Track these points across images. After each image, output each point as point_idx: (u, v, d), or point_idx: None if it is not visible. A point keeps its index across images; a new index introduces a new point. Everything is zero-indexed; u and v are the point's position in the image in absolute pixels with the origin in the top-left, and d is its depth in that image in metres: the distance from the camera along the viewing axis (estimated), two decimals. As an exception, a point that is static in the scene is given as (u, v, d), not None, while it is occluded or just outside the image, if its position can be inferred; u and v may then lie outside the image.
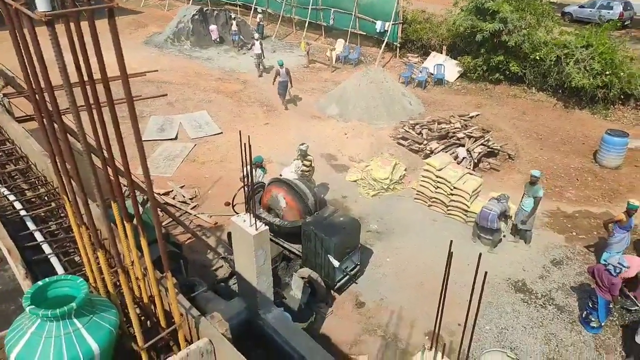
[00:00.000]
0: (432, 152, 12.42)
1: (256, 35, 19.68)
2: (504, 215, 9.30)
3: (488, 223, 9.07)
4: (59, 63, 2.41)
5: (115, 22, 2.32)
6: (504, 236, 9.55)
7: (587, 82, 14.49)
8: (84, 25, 2.50)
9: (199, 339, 2.94)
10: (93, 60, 2.59)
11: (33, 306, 2.39)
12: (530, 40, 15.98)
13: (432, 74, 18.19)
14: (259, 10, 24.85)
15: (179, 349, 2.91)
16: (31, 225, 4.12)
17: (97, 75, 2.59)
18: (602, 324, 7.38)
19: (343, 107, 15.43)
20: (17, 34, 2.66)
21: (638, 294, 7.50)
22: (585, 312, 7.52)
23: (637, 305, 7.21)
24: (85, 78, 2.59)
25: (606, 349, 7.21)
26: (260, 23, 22.95)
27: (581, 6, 23.70)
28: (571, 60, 14.95)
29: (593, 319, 7.35)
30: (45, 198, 4.76)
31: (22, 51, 2.67)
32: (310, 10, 22.55)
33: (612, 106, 15.22)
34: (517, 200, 9.57)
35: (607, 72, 14.36)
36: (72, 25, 2.44)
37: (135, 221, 2.84)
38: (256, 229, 5.50)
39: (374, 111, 15.03)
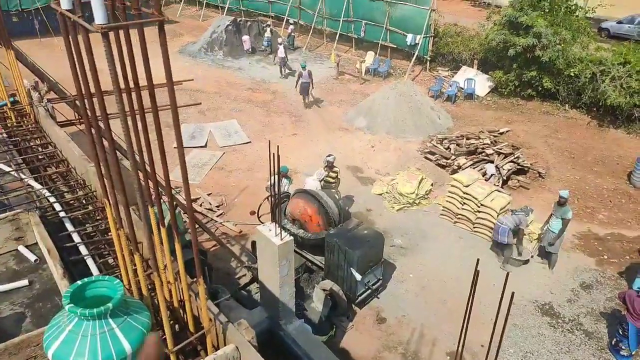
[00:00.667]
0: (459, 167, 12.30)
1: (280, 40, 20.63)
2: (518, 229, 9.01)
3: (499, 237, 8.92)
4: (111, 71, 2.54)
5: (165, 35, 2.44)
6: (532, 257, 9.36)
7: (623, 101, 14.13)
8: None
9: (225, 345, 3.01)
10: (139, 70, 2.73)
11: (72, 305, 2.51)
12: (565, 56, 15.70)
13: (462, 88, 18.07)
14: (291, 21, 25.26)
15: (206, 354, 2.98)
16: (69, 227, 4.29)
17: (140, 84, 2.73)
18: (633, 352, 7.14)
19: (371, 119, 15.47)
20: (72, 44, 2.82)
21: None
22: (615, 340, 7.29)
23: None
24: (132, 85, 2.72)
25: (637, 378, 6.97)
26: (292, 34, 23.32)
27: (619, 22, 23.15)
28: (607, 77, 14.62)
29: (623, 347, 7.12)
30: (83, 201, 4.96)
31: (75, 59, 2.83)
32: (342, 22, 22.78)
33: (649, 126, 14.78)
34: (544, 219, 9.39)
35: (645, 91, 13.98)
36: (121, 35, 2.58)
37: (169, 228, 2.95)
38: (281, 239, 5.57)
39: (402, 124, 15.01)
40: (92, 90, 2.85)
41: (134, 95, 2.72)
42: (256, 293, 8.09)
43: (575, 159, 13.56)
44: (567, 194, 8.81)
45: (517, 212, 9.06)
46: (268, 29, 22.82)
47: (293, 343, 6.06)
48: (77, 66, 2.88)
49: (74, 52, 2.88)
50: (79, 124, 7.25)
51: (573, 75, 15.53)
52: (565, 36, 15.72)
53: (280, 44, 20.25)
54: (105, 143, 2.87)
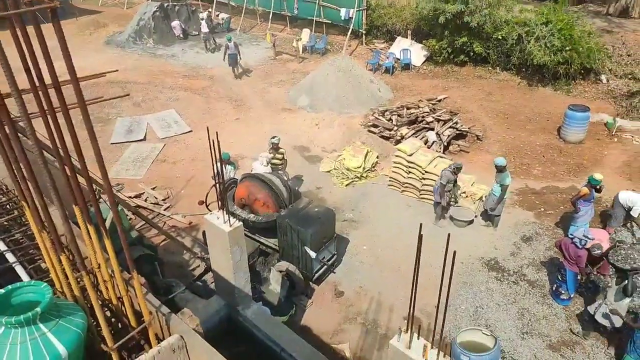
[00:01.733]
0: (402, 137, 12.55)
1: (201, 15, 21.36)
2: (451, 184, 9.29)
3: (435, 196, 9.40)
4: (4, 68, 2.35)
5: (59, 23, 2.27)
6: (476, 217, 9.76)
7: (548, 59, 14.84)
8: (32, 30, 2.44)
9: (170, 335, 2.94)
10: (46, 66, 2.54)
11: (-5, 315, 2.35)
12: (492, 20, 16.23)
13: (399, 59, 18.33)
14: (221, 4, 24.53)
15: (150, 348, 2.90)
16: (-7, 235, 4.02)
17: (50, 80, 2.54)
18: (572, 295, 7.65)
19: (313, 97, 15.42)
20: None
21: (602, 269, 7.76)
22: (555, 285, 7.77)
23: (601, 278, 7.28)
24: (37, 83, 2.53)
25: (576, 320, 7.47)
26: (224, 19, 22.73)
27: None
28: (532, 38, 15.26)
29: (563, 292, 7.60)
30: (7, 207, 4.64)
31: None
32: (274, 0, 22.36)
33: (573, 82, 15.64)
34: (488, 181, 9.79)
35: (567, 48, 14.72)
36: (17, 30, 2.39)
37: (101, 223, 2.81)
38: (230, 225, 5.49)
39: (344, 100, 15.08)
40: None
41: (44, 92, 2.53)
42: (212, 283, 7.97)
43: (509, 119, 14.17)
44: (502, 162, 8.95)
45: (445, 169, 9.38)
46: (203, 22, 21.70)
47: (253, 327, 6.04)
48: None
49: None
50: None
51: (501, 38, 16.11)
52: (490, 0, 16.22)
53: (202, 19, 20.55)
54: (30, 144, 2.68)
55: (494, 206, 9.22)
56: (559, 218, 9.80)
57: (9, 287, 2.58)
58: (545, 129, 13.48)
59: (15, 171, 2.66)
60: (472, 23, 16.03)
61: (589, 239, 7.12)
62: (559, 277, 7.62)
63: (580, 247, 7.12)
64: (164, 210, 10.59)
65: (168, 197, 11.06)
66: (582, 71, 15.53)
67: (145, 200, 10.90)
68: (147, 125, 14.36)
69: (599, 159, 11.99)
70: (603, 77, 15.59)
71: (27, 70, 2.47)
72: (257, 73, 18.75)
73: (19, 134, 2.73)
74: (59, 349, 2.42)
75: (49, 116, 2.54)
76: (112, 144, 13.21)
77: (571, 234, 7.90)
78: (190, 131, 14.03)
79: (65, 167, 2.61)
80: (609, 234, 7.89)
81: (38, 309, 2.39)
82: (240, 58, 18.04)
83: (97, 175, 2.84)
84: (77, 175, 2.72)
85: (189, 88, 17.26)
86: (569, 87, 15.55)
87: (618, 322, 6.45)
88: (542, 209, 10.18)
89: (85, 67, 14.02)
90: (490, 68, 17.28)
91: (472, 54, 17.15)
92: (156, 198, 10.99)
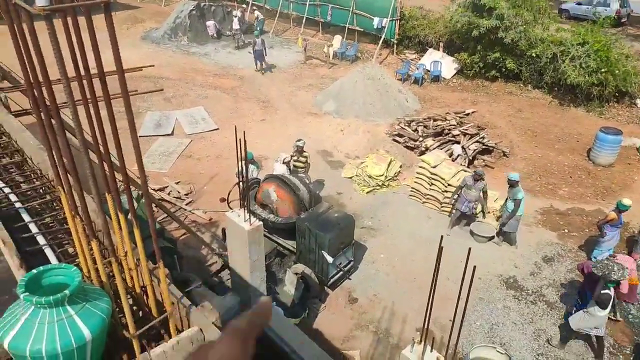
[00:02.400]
0: (427, 149, 12.49)
1: (234, 13, 21.99)
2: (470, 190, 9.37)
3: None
4: (56, 56, 2.46)
5: (111, 17, 2.37)
6: (497, 233, 9.64)
7: (582, 80, 14.58)
8: (83, 20, 2.55)
9: (189, 327, 3.01)
10: (91, 57, 2.65)
11: (27, 293, 2.46)
12: (527, 37, 16.05)
13: (429, 71, 18.26)
14: (255, 7, 24.87)
15: (170, 338, 2.98)
16: (26, 217, 4.17)
17: (94, 71, 2.65)
18: None
19: (340, 103, 15.48)
20: (16, 29, 2.71)
21: (629, 298, 7.57)
22: (574, 309, 7.60)
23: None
24: (82, 72, 2.64)
25: (593, 344, 7.30)
26: (259, 19, 22.99)
27: (578, 3, 23.78)
28: (567, 57, 15.03)
29: None
30: (41, 191, 4.81)
31: (21, 46, 2.72)
32: (308, 6, 22.57)
33: (606, 104, 15.32)
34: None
35: (603, 70, 14.45)
36: (69, 20, 2.49)
37: (130, 215, 2.91)
38: (250, 224, 5.56)
39: (371, 108, 15.09)
40: (50, 78, 2.75)
41: (86, 83, 2.63)
42: (228, 280, 8.06)
43: (537, 137, 13.95)
44: (516, 177, 8.94)
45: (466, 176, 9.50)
46: (235, 19, 22.05)
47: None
48: (23, 53, 2.77)
49: (19, 39, 2.77)
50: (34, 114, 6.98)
51: (535, 55, 15.90)
52: (527, 17, 16.05)
53: (235, 17, 21.16)
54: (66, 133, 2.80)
55: (505, 221, 9.11)
56: (583, 241, 9.60)
57: (41, 268, 2.69)
58: (575, 150, 13.23)
59: (54, 157, 2.77)
60: (506, 39, 15.88)
61: None
62: (579, 301, 7.45)
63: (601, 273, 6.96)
64: (186, 204, 10.77)
65: (191, 192, 11.25)
66: (617, 94, 15.20)
67: (169, 194, 11.11)
68: (175, 120, 14.65)
69: (628, 183, 11.71)
70: (638, 102, 15.22)
71: (74, 60, 2.58)
72: (286, 76, 18.93)
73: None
74: (83, 332, 2.51)
75: (90, 105, 2.65)
76: (140, 136, 13.47)
77: (594, 258, 7.73)
78: (217, 129, 14.25)
79: (103, 160, 2.72)
80: (635, 259, 7.70)
81: (67, 292, 2.49)
82: (265, 54, 18.93)
83: (129, 167, 2.94)
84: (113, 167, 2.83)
85: (219, 87, 17.54)
86: (601, 109, 15.24)
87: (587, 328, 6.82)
88: (566, 230, 9.99)
89: (122, 60, 14.34)
90: (521, 85, 17.06)
91: (504, 69, 16.97)
92: (179, 192, 11.19)
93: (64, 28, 2.58)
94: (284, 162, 9.95)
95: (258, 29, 22.20)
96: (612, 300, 6.66)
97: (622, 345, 7.30)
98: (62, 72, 2.48)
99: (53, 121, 2.82)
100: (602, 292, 6.55)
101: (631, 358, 6.75)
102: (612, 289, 6.59)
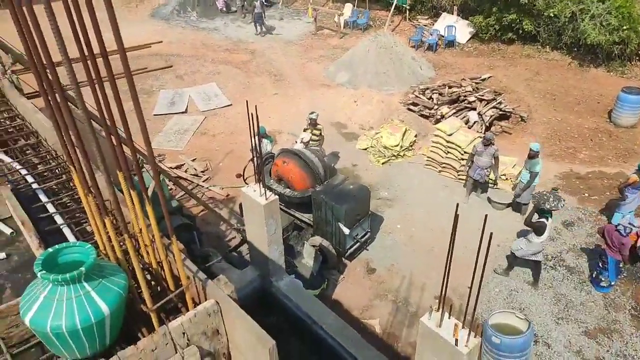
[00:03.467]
0: (442, 117, 12.27)
1: None
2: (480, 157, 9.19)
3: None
4: (55, 36, 2.43)
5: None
6: (514, 199, 9.50)
7: (603, 39, 14.02)
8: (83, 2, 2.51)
9: (206, 300, 3.06)
10: (94, 37, 2.61)
11: (44, 271, 2.51)
12: (544, -4, 15.43)
13: (443, 36, 17.78)
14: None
15: (187, 311, 3.03)
16: (43, 198, 4.25)
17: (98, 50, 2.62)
18: (612, 283, 7.41)
19: (352, 74, 15.24)
20: (17, 10, 2.69)
21: None
22: (595, 272, 7.54)
23: None
24: (86, 53, 2.61)
25: (615, 307, 7.24)
26: None
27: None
28: (587, 16, 14.43)
29: (603, 279, 7.38)
30: (57, 171, 4.88)
31: (22, 27, 2.71)
32: (317, -25, 22.02)
33: (629, 63, 14.75)
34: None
35: (625, 27, 13.85)
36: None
37: (143, 192, 2.92)
38: (266, 199, 5.58)
39: (384, 77, 14.83)
40: (55, 59, 2.73)
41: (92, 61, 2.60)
42: (247, 254, 8.17)
43: (556, 100, 13.57)
44: (537, 147, 8.69)
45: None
46: None
47: (285, 298, 6.18)
48: (25, 35, 2.75)
49: (20, 20, 2.75)
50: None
51: (553, 15, 15.29)
52: (544, -25, 15.39)
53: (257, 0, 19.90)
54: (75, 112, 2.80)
55: (519, 192, 8.94)
56: (604, 205, 9.41)
57: (56, 246, 2.74)
58: (595, 112, 12.84)
59: (64, 137, 2.78)
60: (522, -1, 15.29)
61: (635, 226, 6.85)
62: (600, 265, 7.38)
63: (624, 234, 6.87)
64: (203, 181, 10.85)
65: (207, 169, 11.32)
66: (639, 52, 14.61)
67: (185, 171, 11.20)
68: (188, 97, 14.63)
69: (651, 144, 11.37)
70: (662, 58, 14.63)
71: (77, 40, 2.56)
72: (297, 48, 18.66)
73: (69, 102, 2.84)
74: (101, 307, 2.57)
75: (96, 85, 2.63)
76: (155, 115, 13.56)
77: (615, 221, 7.60)
78: (230, 105, 14.21)
79: (111, 135, 2.72)
80: None
81: (83, 268, 2.53)
82: (265, 17, 19.83)
83: (141, 145, 2.93)
84: (122, 144, 2.83)
85: (230, 62, 17.40)
86: (623, 68, 14.69)
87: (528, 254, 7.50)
88: (586, 194, 9.80)
89: (130, 38, 14.26)
90: (539, 47, 16.50)
91: (520, 31, 16.41)
92: (195, 169, 11.26)
93: (64, 6, 2.55)
94: (302, 142, 9.88)
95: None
96: (547, 230, 7.26)
97: (644, 308, 7.23)
98: (62, 52, 2.46)
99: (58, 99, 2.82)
100: (538, 220, 7.22)
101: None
102: (548, 218, 7.22)
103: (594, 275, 7.57)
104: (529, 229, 7.45)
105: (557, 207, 7.22)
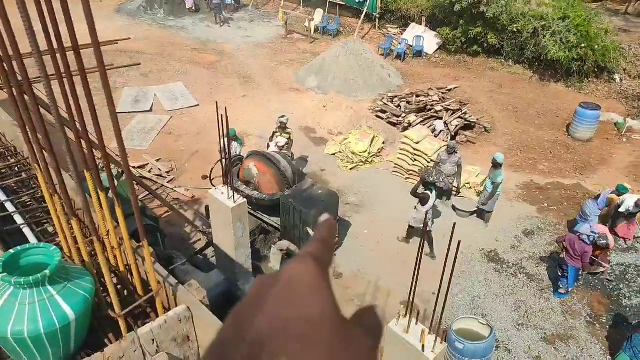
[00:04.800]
0: (410, 124, 12.47)
1: None
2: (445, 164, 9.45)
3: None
4: (26, 27, 2.32)
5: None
6: (478, 208, 9.75)
7: (563, 55, 14.64)
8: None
9: (177, 306, 2.97)
10: (63, 30, 2.49)
11: (5, 274, 2.37)
12: (509, 12, 15.95)
13: (412, 46, 18.11)
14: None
15: (157, 316, 2.93)
16: (2, 196, 4.02)
17: (67, 45, 2.50)
18: (569, 289, 7.70)
19: (322, 79, 15.28)
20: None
21: (602, 257, 7.82)
22: (559, 281, 7.80)
23: (603, 266, 7.64)
24: (55, 46, 2.50)
25: (572, 314, 7.54)
26: None
27: (560, -22, 23.70)
28: (548, 32, 15.04)
29: (562, 286, 7.66)
30: (16, 169, 4.65)
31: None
32: (289, -21, 22.01)
33: (586, 79, 15.45)
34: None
35: (583, 45, 14.51)
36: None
37: (110, 193, 2.81)
38: (234, 202, 5.50)
39: (353, 83, 14.95)
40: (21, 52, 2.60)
41: (59, 58, 2.49)
42: (212, 257, 8.02)
43: (518, 112, 14.06)
44: (501, 158, 8.89)
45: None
46: None
47: (251, 302, 6.11)
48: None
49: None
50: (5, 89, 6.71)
51: (516, 30, 15.86)
52: (509, -9, 15.93)
53: None
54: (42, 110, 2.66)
55: (485, 202, 9.20)
56: (562, 214, 9.79)
57: (19, 248, 2.59)
58: (554, 125, 13.38)
59: (29, 134, 2.65)
60: (488, 13, 15.77)
61: (596, 234, 7.17)
62: (560, 273, 7.65)
63: (588, 242, 7.16)
64: (168, 182, 10.61)
65: (172, 170, 11.07)
66: (596, 69, 15.32)
67: (149, 172, 10.91)
68: (154, 96, 14.28)
69: (606, 158, 11.93)
70: (617, 77, 15.39)
71: (47, 33, 2.44)
72: (267, 51, 18.56)
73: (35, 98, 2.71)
74: (66, 311, 2.44)
75: (65, 80, 2.52)
76: (117, 112, 13.11)
77: (576, 230, 7.89)
78: (197, 105, 13.96)
79: (80, 134, 2.60)
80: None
81: (47, 271, 2.41)
82: (224, 7, 20.84)
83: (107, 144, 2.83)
84: (89, 143, 2.72)
85: (198, 62, 17.12)
86: (581, 84, 15.38)
87: (418, 223, 8.37)
88: (546, 205, 10.17)
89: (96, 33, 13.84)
90: (502, 60, 17.06)
91: (485, 44, 16.92)
92: (160, 170, 10.99)
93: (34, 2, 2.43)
94: (277, 146, 9.81)
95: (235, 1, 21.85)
96: (430, 199, 8.11)
97: (598, 314, 7.55)
98: (32, 44, 2.34)
99: (26, 97, 2.68)
100: (423, 192, 8.21)
101: (607, 326, 6.99)
102: (433, 191, 8.20)
103: (558, 285, 7.84)
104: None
105: (438, 180, 8.42)
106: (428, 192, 8.20)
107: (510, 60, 16.89)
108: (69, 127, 2.66)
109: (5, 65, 2.68)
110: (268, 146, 10.13)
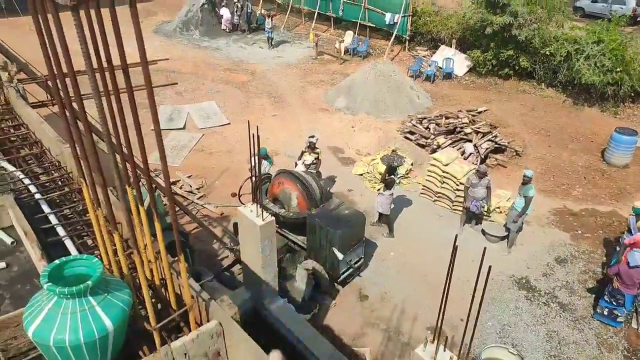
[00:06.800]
0: (439, 146, 12.42)
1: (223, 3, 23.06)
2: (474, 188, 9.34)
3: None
4: (82, 48, 2.46)
5: (136, 9, 2.37)
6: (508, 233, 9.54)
7: (597, 79, 14.39)
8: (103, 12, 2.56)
9: (208, 321, 3.02)
10: (113, 51, 2.64)
11: (50, 283, 2.47)
12: (541, 35, 15.85)
13: (441, 68, 18.13)
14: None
15: (189, 331, 2.99)
16: (46, 208, 4.20)
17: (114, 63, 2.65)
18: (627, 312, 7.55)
19: (351, 100, 15.43)
20: (41, 20, 2.72)
21: None
22: (606, 309, 7.55)
23: None
24: (105, 65, 2.64)
25: (608, 347, 7.24)
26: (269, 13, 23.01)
27: (594, 0, 23.45)
28: (581, 56, 14.83)
29: (619, 314, 7.44)
30: (59, 182, 4.85)
31: (45, 37, 2.73)
32: (320, 1, 22.48)
33: (622, 104, 15.10)
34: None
35: (618, 69, 14.24)
36: (92, 11, 2.50)
37: (147, 206, 2.92)
38: (263, 220, 5.55)
39: (382, 105, 15.03)
40: (64, 70, 2.76)
41: (108, 76, 2.64)
42: (239, 274, 8.09)
43: (551, 137, 13.81)
44: (531, 174, 8.82)
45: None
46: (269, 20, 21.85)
47: (277, 322, 6.10)
48: (47, 44, 2.78)
49: (43, 30, 2.78)
50: (52, 105, 7.05)
51: (549, 54, 15.71)
52: (541, 15, 15.85)
53: (224, 6, 22.67)
54: (80, 125, 2.80)
55: (515, 219, 8.97)
56: (597, 242, 9.50)
57: (63, 258, 2.71)
58: (589, 150, 13.09)
59: (77, 149, 2.78)
60: (520, 37, 15.70)
61: None
62: (614, 302, 7.40)
63: None
64: (198, 199, 10.81)
65: (202, 187, 11.29)
66: (632, 94, 14.97)
67: (180, 188, 11.16)
68: (187, 114, 14.69)
69: (643, 185, 11.56)
70: (654, 102, 15.01)
71: (97, 52, 2.59)
72: (297, 71, 18.90)
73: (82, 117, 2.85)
74: (105, 322, 2.52)
75: (112, 98, 2.65)
76: (152, 130, 13.53)
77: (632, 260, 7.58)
78: (229, 124, 14.27)
79: (122, 150, 2.72)
80: None
81: (89, 282, 2.50)
82: (235, 21, 22.80)
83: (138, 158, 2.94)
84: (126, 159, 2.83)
85: (230, 81, 17.55)
86: (616, 109, 15.04)
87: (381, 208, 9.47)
88: (580, 232, 9.89)
89: (134, 54, 14.38)
90: (535, 83, 16.88)
91: (517, 67, 16.80)
92: (191, 186, 11.23)
93: (86, 19, 2.59)
94: (304, 164, 9.97)
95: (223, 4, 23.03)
96: (394, 184, 9.32)
97: (636, 349, 7.23)
98: (87, 64, 2.48)
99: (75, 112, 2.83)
100: (389, 177, 9.20)
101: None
102: (396, 175, 9.35)
103: (605, 313, 7.57)
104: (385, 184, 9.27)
105: (401, 162, 9.72)
106: (393, 176, 9.24)
107: (543, 84, 16.70)
108: (101, 138, 2.78)
109: (59, 82, 2.83)
110: (296, 165, 10.25)
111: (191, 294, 2.95)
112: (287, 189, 8.55)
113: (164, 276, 3.07)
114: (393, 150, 11.18)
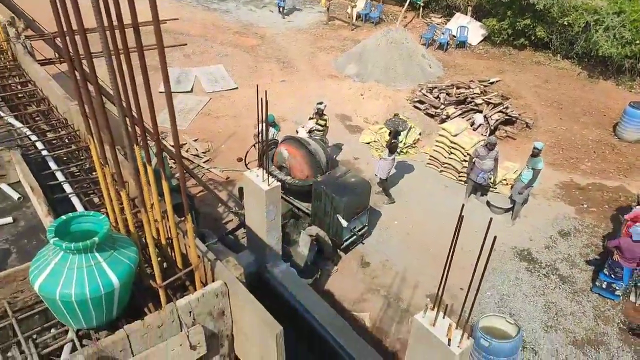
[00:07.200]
0: (448, 117, 12.28)
1: None
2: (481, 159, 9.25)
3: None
4: (93, 2, 2.41)
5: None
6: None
7: (615, 51, 14.01)
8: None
9: (214, 281, 3.08)
10: (124, 8, 2.58)
11: (57, 238, 2.52)
12: (560, 4, 15.34)
13: (455, 36, 17.71)
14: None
15: (195, 290, 3.05)
16: (53, 165, 4.24)
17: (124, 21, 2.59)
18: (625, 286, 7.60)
19: (361, 67, 15.19)
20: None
21: None
22: (605, 282, 7.60)
23: None
24: (115, 23, 2.59)
25: (605, 319, 7.34)
26: None
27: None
28: (601, 27, 14.39)
29: (617, 288, 7.51)
30: (66, 140, 4.86)
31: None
32: (333, -36, 21.79)
33: (638, 77, 14.76)
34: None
35: (638, 42, 13.84)
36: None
37: (155, 167, 2.93)
38: (268, 185, 5.58)
39: (392, 72, 14.79)
40: (74, 27, 2.71)
41: (117, 35, 2.59)
42: (243, 238, 8.19)
43: (563, 109, 13.60)
44: (541, 146, 8.70)
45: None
46: None
47: (279, 285, 6.23)
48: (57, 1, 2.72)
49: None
50: (59, 63, 7.00)
51: (567, 24, 15.26)
52: (561, -18, 15.31)
53: None
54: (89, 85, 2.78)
55: (521, 191, 8.87)
56: (602, 217, 9.48)
57: (70, 214, 2.74)
58: (600, 124, 12.89)
59: (85, 107, 2.78)
60: (538, 5, 15.22)
61: None
62: (612, 275, 7.46)
63: None
64: (204, 162, 10.85)
65: (208, 150, 11.31)
66: (650, 68, 14.61)
67: (187, 151, 11.18)
68: (195, 77, 14.55)
69: (654, 161, 11.43)
70: (672, 77, 14.64)
71: (107, 10, 2.54)
72: (307, 37, 18.55)
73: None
74: (111, 278, 2.58)
75: (122, 56, 2.61)
76: (160, 92, 13.48)
77: (636, 236, 7.56)
78: (237, 88, 14.15)
79: (130, 111, 2.71)
80: None
81: (96, 238, 2.54)
82: None
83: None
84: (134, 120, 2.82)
85: (239, 45, 17.28)
86: (632, 82, 14.70)
87: (381, 172, 9.44)
88: (585, 206, 9.87)
89: (144, 12, 14.14)
90: (550, 54, 16.49)
91: (533, 38, 16.37)
92: (197, 150, 11.25)
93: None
94: (308, 131, 9.89)
95: None
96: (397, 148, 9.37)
97: (632, 322, 7.32)
98: (98, 21, 2.44)
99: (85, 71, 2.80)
100: (393, 141, 9.14)
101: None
102: (398, 139, 9.32)
103: (603, 286, 7.63)
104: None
105: (406, 127, 9.83)
106: (396, 140, 9.21)
107: (558, 55, 16.31)
108: (116, 103, 2.76)
109: (68, 38, 2.78)
110: (297, 132, 10.18)
111: (197, 254, 2.99)
112: (281, 149, 8.52)
113: (170, 235, 3.11)
114: (395, 114, 11.11)
